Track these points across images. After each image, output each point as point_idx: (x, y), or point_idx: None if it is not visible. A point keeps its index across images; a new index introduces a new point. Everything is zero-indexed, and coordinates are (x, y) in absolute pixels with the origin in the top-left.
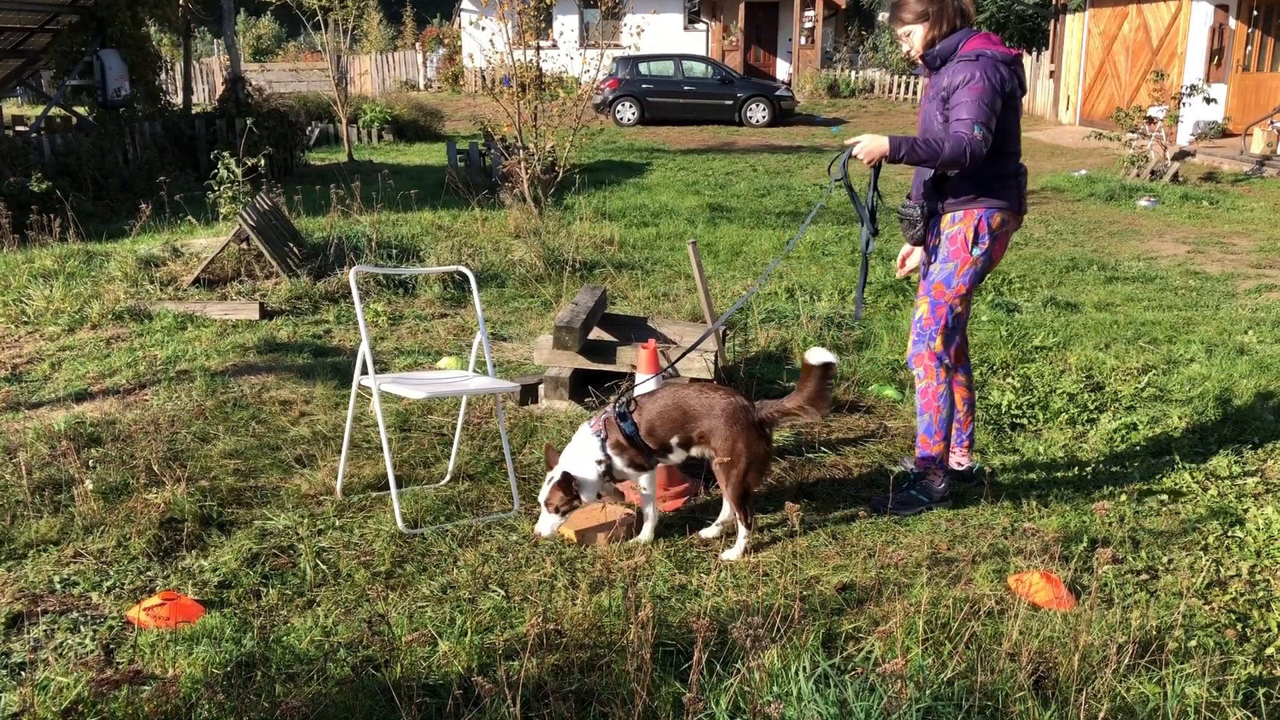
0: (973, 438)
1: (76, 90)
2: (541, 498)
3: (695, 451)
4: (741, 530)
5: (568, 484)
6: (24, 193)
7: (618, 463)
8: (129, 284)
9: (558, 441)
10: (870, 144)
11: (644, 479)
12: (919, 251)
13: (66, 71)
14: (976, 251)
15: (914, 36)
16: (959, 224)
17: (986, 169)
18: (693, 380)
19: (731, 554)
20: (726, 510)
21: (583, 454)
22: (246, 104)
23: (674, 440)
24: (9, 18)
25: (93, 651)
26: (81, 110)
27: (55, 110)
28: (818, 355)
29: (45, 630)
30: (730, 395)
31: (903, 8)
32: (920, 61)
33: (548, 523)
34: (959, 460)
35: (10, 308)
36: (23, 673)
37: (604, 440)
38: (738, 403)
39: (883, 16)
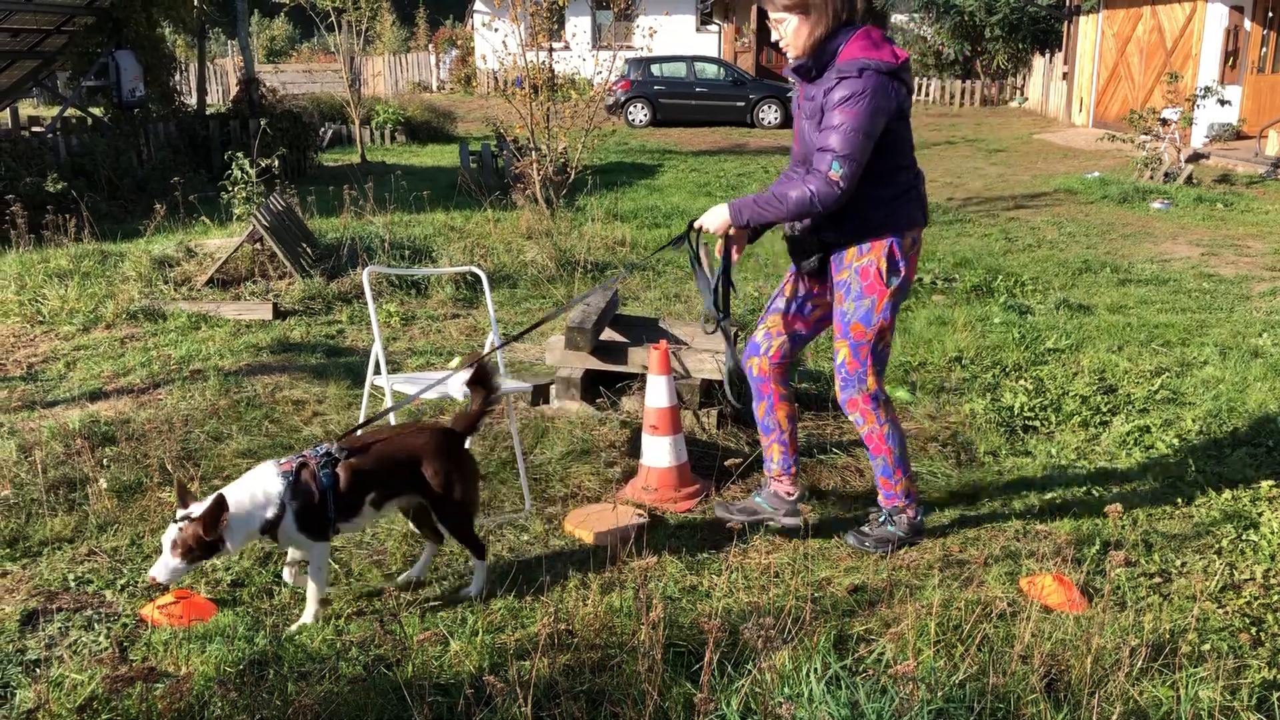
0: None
1: (92, 91)
2: (168, 537)
3: (391, 506)
4: (481, 564)
5: (214, 522)
6: (40, 193)
7: (290, 520)
8: (143, 284)
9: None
10: (711, 219)
11: (316, 550)
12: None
13: (82, 72)
14: (894, 282)
15: (788, 28)
16: (868, 255)
17: (884, 190)
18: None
19: (475, 588)
20: (426, 557)
21: (257, 495)
22: (260, 105)
23: (369, 497)
24: (26, 19)
25: (107, 649)
26: (97, 111)
27: (71, 111)
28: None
29: (60, 627)
30: (428, 429)
31: None
32: (794, 72)
33: (166, 568)
34: (787, 490)
35: (26, 307)
36: (38, 670)
37: (292, 484)
38: (441, 431)
39: (898, 17)
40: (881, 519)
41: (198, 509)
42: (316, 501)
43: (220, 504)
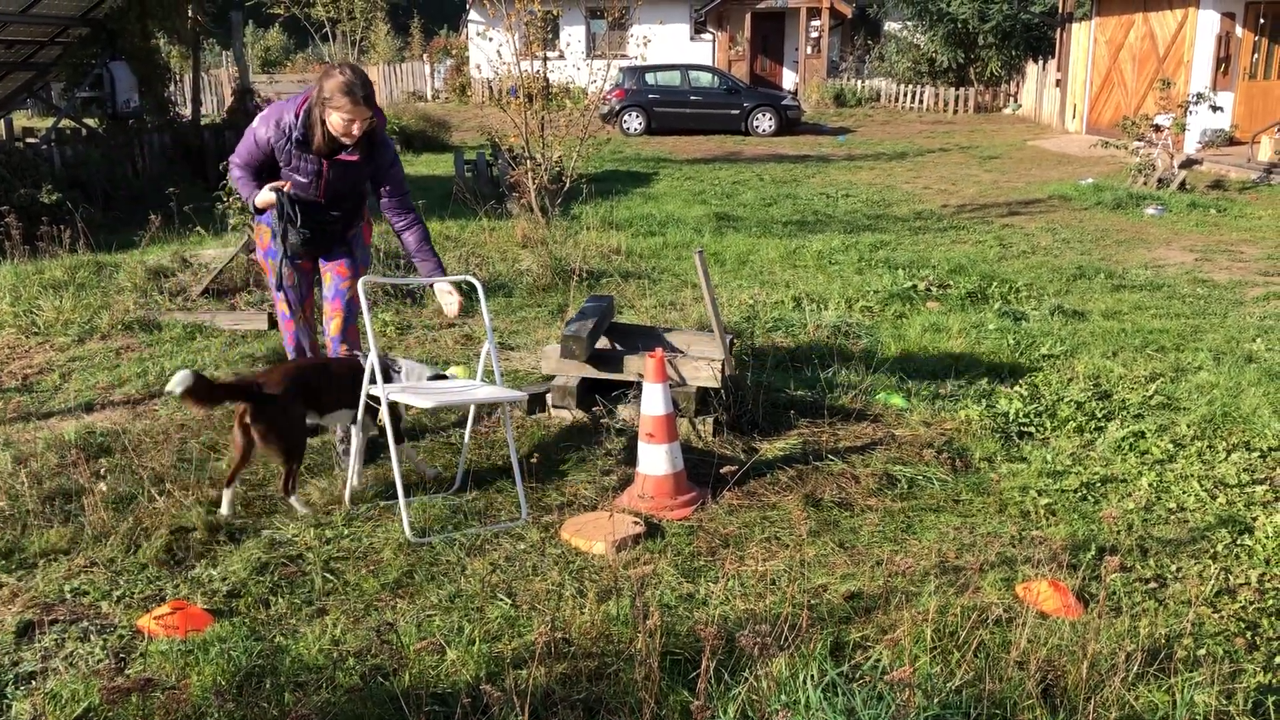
0: None
1: (86, 102)
2: None
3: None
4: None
5: None
6: (34, 204)
7: None
8: (138, 295)
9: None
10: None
11: None
12: None
13: (76, 84)
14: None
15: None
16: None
17: None
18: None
19: None
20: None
21: None
22: (255, 115)
23: None
24: (20, 30)
25: (103, 660)
26: (91, 122)
27: (65, 122)
28: None
29: (56, 639)
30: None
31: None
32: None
33: None
34: None
35: (21, 318)
36: (33, 682)
37: None
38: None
39: (891, 25)
40: None
41: None
42: None
43: None
